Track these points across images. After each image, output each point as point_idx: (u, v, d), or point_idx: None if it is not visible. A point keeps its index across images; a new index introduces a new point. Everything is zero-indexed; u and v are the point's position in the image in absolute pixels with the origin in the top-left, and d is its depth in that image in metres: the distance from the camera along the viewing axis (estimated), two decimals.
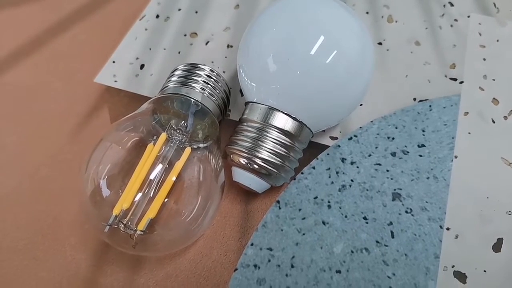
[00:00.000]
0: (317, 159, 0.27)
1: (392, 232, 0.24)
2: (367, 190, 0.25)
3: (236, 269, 0.24)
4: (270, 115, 0.23)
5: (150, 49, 0.33)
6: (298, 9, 0.23)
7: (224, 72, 0.31)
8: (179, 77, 0.25)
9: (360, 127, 0.28)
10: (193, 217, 0.22)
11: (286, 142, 0.23)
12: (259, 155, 0.22)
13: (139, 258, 0.24)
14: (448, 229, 0.24)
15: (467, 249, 0.24)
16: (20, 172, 0.27)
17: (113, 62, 0.32)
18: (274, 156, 0.23)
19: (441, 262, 0.23)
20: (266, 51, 0.22)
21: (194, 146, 0.25)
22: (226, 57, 0.32)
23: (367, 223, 0.24)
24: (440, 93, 0.29)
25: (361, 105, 0.29)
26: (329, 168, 0.26)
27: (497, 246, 0.24)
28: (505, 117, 0.28)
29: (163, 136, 0.24)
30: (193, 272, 0.24)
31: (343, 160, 0.27)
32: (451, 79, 0.30)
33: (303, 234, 0.24)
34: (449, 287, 0.23)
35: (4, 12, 0.36)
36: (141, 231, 0.21)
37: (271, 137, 0.23)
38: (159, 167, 0.23)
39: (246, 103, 0.25)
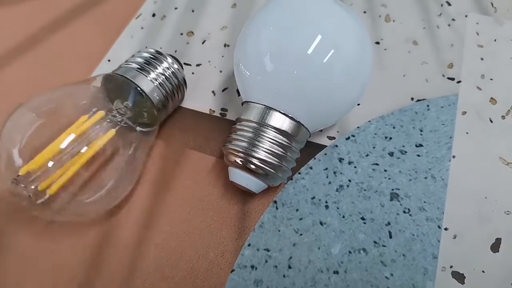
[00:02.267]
0: (315, 159, 0.26)
1: (390, 233, 0.24)
2: (364, 190, 0.25)
3: (233, 270, 0.23)
4: (267, 114, 0.22)
5: (146, 47, 0.33)
6: (295, 8, 0.22)
7: (220, 71, 0.31)
8: (136, 61, 0.26)
9: (358, 127, 0.28)
10: (100, 195, 0.23)
11: (283, 142, 0.22)
12: (256, 155, 0.22)
13: (135, 259, 0.24)
14: (446, 229, 0.24)
15: (466, 249, 0.24)
16: None
17: (109, 60, 0.32)
18: (271, 156, 0.22)
19: (439, 263, 0.23)
20: (263, 50, 0.22)
21: (138, 129, 0.26)
22: (223, 56, 0.32)
23: (365, 223, 0.24)
24: (438, 93, 0.29)
25: (358, 104, 0.29)
26: (326, 168, 0.26)
27: (496, 246, 0.24)
28: (503, 117, 0.28)
29: (100, 113, 0.24)
30: (189, 273, 0.23)
31: (340, 160, 0.26)
32: (449, 78, 0.30)
33: (301, 234, 0.24)
34: (447, 287, 0.23)
35: (2, 10, 0.36)
36: (36, 189, 0.22)
37: (268, 137, 0.22)
38: (71, 137, 0.23)
39: (243, 103, 0.24)
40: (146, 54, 0.26)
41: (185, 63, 0.32)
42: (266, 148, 0.22)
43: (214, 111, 0.29)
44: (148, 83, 0.25)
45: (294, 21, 0.22)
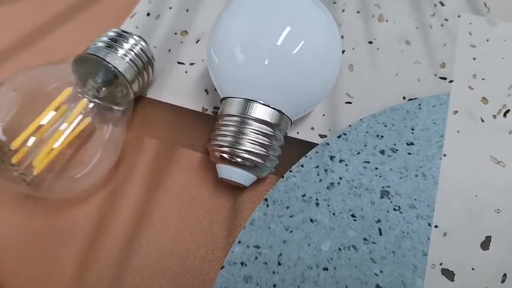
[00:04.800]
0: (306, 157, 0.27)
1: (380, 230, 0.24)
2: (355, 187, 0.25)
3: (223, 267, 0.23)
4: (247, 107, 0.23)
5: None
6: (264, 0, 0.23)
7: None
8: (105, 40, 0.26)
9: (349, 125, 0.28)
10: (83, 170, 0.24)
11: (267, 132, 0.23)
12: (242, 147, 0.22)
13: (126, 255, 0.24)
14: (436, 226, 0.24)
15: (455, 247, 0.24)
16: None
17: None
18: (257, 147, 0.23)
19: (429, 260, 0.23)
20: (233, 42, 0.22)
21: (114, 107, 0.27)
22: None
23: (355, 220, 0.24)
24: (430, 92, 0.29)
25: (350, 103, 0.29)
26: (317, 166, 0.26)
27: (486, 244, 0.24)
28: (494, 116, 0.28)
29: (68, 90, 0.25)
30: (180, 269, 0.23)
31: (331, 158, 0.26)
32: (441, 78, 0.30)
33: (291, 231, 0.24)
34: (437, 284, 0.23)
35: None
36: (16, 165, 0.23)
37: (251, 128, 0.23)
38: (51, 114, 0.24)
39: (222, 100, 0.25)
40: (112, 33, 0.27)
41: (178, 62, 0.32)
42: (251, 139, 0.23)
43: (207, 110, 0.29)
44: (119, 59, 0.26)
45: (264, 13, 0.22)
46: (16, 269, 0.24)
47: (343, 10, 0.34)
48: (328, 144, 0.27)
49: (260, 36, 0.22)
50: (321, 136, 0.28)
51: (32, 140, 0.23)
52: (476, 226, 0.24)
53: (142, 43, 0.27)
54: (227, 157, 0.23)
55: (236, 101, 0.23)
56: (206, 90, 0.30)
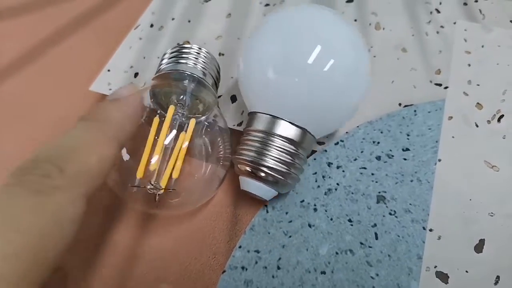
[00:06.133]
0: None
1: (376, 234, 0.25)
2: (352, 193, 0.26)
3: (224, 271, 0.24)
4: (273, 123, 0.23)
5: (144, 57, 0.34)
6: (296, 21, 0.23)
7: None
8: (170, 58, 0.26)
9: (347, 132, 0.28)
10: (204, 179, 0.25)
11: (291, 150, 0.23)
12: (265, 163, 0.23)
13: (129, 261, 0.25)
14: (431, 230, 0.25)
15: (450, 250, 0.24)
16: None
17: (108, 70, 0.33)
18: (280, 164, 0.23)
19: (424, 263, 0.24)
20: (266, 62, 0.23)
21: (197, 120, 0.26)
22: None
23: (352, 225, 0.25)
24: (425, 98, 0.30)
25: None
26: (315, 173, 0.27)
27: (479, 247, 0.24)
28: (489, 121, 0.29)
29: (172, 108, 0.25)
30: (182, 274, 0.24)
31: (329, 164, 0.27)
32: (436, 84, 0.31)
33: (290, 236, 0.25)
34: (431, 287, 0.23)
35: (3, 23, 0.37)
36: (165, 188, 0.23)
37: (275, 145, 0.23)
38: (173, 133, 0.24)
39: (249, 113, 0.25)
40: (174, 49, 0.27)
41: None
42: (274, 156, 0.23)
43: None
44: (195, 69, 0.26)
45: (296, 32, 0.23)
46: None
47: None
48: (326, 151, 0.28)
49: (291, 56, 0.22)
50: (319, 143, 0.28)
51: (155, 159, 0.23)
52: (470, 229, 0.25)
53: (203, 49, 0.27)
54: (251, 171, 0.23)
55: (263, 117, 0.24)
56: None
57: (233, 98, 0.31)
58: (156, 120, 0.24)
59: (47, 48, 0.35)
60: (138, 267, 0.25)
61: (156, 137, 0.24)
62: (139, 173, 0.23)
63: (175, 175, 0.24)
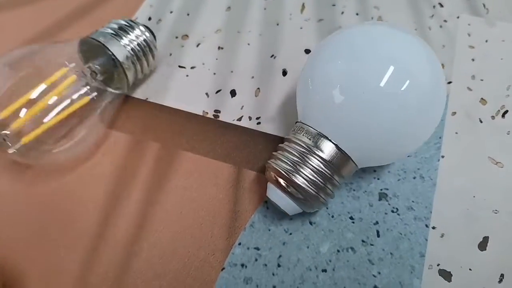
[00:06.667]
0: None
1: (378, 232, 0.24)
2: (354, 190, 0.26)
3: (223, 268, 0.24)
4: (317, 141, 0.22)
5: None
6: (363, 38, 0.22)
7: (214, 73, 0.31)
8: (111, 27, 0.28)
9: None
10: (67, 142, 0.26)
11: (326, 173, 0.22)
12: (295, 180, 0.22)
13: (128, 257, 0.24)
14: (434, 228, 0.24)
15: (453, 248, 0.24)
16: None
17: None
18: (309, 185, 0.22)
19: (427, 261, 0.24)
20: (333, 82, 0.21)
21: (109, 89, 0.28)
22: (216, 58, 0.32)
23: (353, 222, 0.25)
24: None
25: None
26: None
27: (483, 245, 0.24)
28: (493, 117, 0.28)
29: (63, 70, 0.26)
30: (181, 271, 0.24)
31: None
32: None
33: (290, 234, 0.25)
34: (434, 285, 0.23)
35: (2, 15, 0.36)
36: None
37: (311, 164, 0.22)
38: (42, 87, 0.25)
39: (297, 122, 0.24)
40: (121, 22, 0.29)
41: (179, 66, 0.32)
42: (307, 175, 0.22)
43: (207, 113, 0.30)
44: (120, 47, 0.27)
45: (364, 52, 0.21)
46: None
47: (342, 13, 0.35)
48: None
49: (361, 78, 0.20)
50: None
51: (23, 112, 0.24)
52: (474, 226, 0.24)
53: (147, 34, 0.29)
54: (281, 182, 0.22)
55: (310, 131, 0.22)
56: (206, 94, 0.31)
57: (233, 93, 0.30)
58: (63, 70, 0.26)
59: (44, 42, 0.35)
60: (136, 264, 0.24)
61: None
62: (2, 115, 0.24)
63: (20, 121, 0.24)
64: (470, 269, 0.23)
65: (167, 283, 0.24)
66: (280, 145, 0.24)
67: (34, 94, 0.25)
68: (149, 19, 0.35)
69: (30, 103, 0.25)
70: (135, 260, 0.24)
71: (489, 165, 0.26)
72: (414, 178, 0.26)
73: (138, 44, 0.28)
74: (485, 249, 0.24)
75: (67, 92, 0.26)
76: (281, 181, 0.22)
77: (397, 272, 0.23)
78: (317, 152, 0.22)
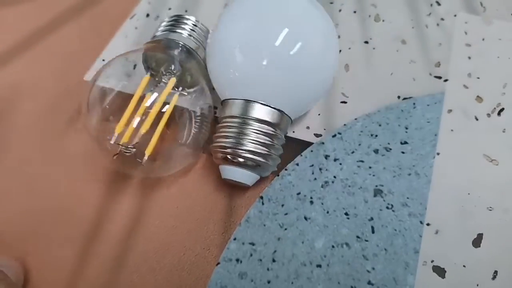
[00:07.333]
0: (301, 156, 0.27)
1: (372, 228, 0.24)
2: (349, 186, 0.26)
3: (218, 263, 0.24)
4: (248, 107, 0.23)
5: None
6: (264, 3, 0.24)
7: None
8: (166, 26, 0.27)
9: (344, 124, 0.28)
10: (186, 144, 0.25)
11: (268, 131, 0.23)
12: (244, 147, 0.23)
13: (123, 252, 0.24)
14: (428, 224, 0.25)
15: (447, 244, 0.24)
16: (11, 168, 0.28)
17: (103, 60, 0.33)
18: (259, 146, 0.23)
19: (421, 257, 0.24)
20: (232, 43, 0.23)
21: (184, 93, 0.26)
22: None
23: (348, 218, 0.25)
24: (425, 91, 0.29)
25: (345, 102, 0.29)
26: (312, 165, 0.27)
27: (477, 242, 0.24)
28: (488, 115, 0.28)
29: (146, 78, 0.26)
30: (176, 266, 0.24)
31: (326, 157, 0.27)
32: (436, 77, 0.30)
33: (285, 229, 0.25)
34: (428, 281, 0.23)
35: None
36: (131, 147, 0.24)
37: (252, 128, 0.23)
38: (155, 95, 0.25)
39: (222, 102, 0.25)
40: (171, 19, 0.28)
41: None
42: (252, 139, 0.23)
43: None
44: (188, 40, 0.27)
45: (263, 14, 0.23)
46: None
47: (340, 10, 0.35)
48: (323, 143, 0.27)
49: (258, 38, 0.23)
50: (317, 135, 0.28)
51: (136, 121, 0.24)
52: (468, 223, 0.25)
53: (199, 23, 0.28)
54: (229, 157, 0.23)
55: (236, 102, 0.24)
56: None
57: None
58: (146, 78, 0.25)
59: (42, 38, 0.35)
60: (131, 258, 0.24)
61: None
62: (118, 129, 0.24)
63: (143, 130, 0.24)
64: (464, 266, 0.23)
65: (162, 277, 0.24)
66: (216, 126, 0.25)
67: (148, 102, 0.25)
68: (147, 15, 0.35)
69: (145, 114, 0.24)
70: (131, 254, 0.24)
71: (484, 162, 0.27)
72: (409, 174, 0.26)
73: (198, 33, 0.27)
74: (479, 246, 0.24)
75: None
76: (229, 156, 0.23)
77: (391, 268, 0.23)
78: (252, 116, 0.23)
